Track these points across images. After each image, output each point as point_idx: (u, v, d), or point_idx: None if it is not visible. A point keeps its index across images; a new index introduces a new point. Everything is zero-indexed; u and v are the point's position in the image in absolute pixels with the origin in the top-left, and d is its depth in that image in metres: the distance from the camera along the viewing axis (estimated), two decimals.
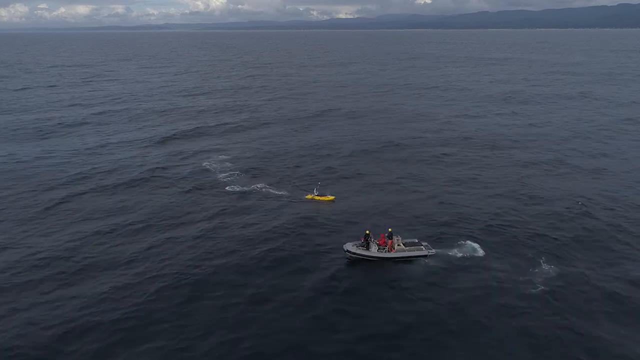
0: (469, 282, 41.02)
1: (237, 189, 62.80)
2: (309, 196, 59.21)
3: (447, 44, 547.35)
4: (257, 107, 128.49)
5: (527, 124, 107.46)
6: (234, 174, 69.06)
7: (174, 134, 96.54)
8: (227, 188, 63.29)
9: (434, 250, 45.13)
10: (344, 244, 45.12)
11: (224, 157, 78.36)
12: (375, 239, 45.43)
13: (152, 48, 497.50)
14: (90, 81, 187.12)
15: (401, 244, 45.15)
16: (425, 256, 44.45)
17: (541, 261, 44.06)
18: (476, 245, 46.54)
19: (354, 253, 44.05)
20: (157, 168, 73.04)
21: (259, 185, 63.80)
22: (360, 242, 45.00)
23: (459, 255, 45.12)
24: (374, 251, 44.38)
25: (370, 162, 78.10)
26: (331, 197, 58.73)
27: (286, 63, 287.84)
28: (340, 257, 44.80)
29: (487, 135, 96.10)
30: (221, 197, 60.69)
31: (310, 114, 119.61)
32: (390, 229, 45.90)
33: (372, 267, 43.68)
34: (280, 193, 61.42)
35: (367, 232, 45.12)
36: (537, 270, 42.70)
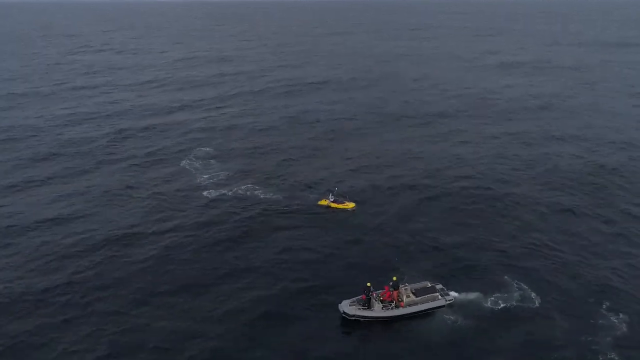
0: (513, 349, 30.85)
1: (214, 194, 51.65)
2: (324, 202, 48.63)
3: (447, 14, 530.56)
4: (249, 81, 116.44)
5: (539, 94, 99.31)
6: (218, 173, 57.48)
7: (151, 113, 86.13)
8: (204, 193, 52.20)
9: (451, 296, 35.42)
10: (339, 303, 34.61)
11: (205, 149, 66.87)
12: (378, 292, 35.27)
13: (145, 18, 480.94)
14: (74, 53, 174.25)
15: (411, 294, 35.28)
16: (442, 306, 34.71)
17: (603, 309, 33.98)
18: (523, 287, 36.05)
19: (353, 315, 33.93)
20: (118, 159, 62.90)
21: (243, 187, 52.83)
22: (359, 298, 34.81)
23: (500, 305, 34.45)
24: (378, 310, 34.36)
25: (368, 144, 68.99)
26: (351, 205, 48.19)
27: (280, 34, 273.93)
28: (330, 309, 34.63)
29: (498, 108, 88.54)
30: (193, 204, 49.91)
31: (307, 86, 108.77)
32: (394, 278, 35.50)
33: (374, 327, 33.72)
34: (267, 196, 50.76)
35: (368, 284, 34.82)
36: (601, 322, 32.74)
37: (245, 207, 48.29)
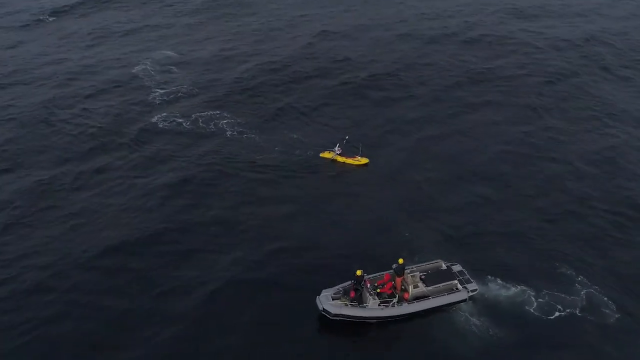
0: None
1: (167, 120, 39.21)
2: (328, 155, 36.75)
3: None
4: None
5: None
6: (178, 87, 44.21)
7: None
8: (153, 119, 39.51)
9: (475, 285, 25.34)
10: (318, 295, 24.63)
11: (166, 50, 51.83)
12: (374, 276, 25.46)
13: None
14: None
15: (419, 284, 25.27)
16: (464, 300, 24.87)
17: None
18: (587, 283, 25.72)
19: (337, 315, 24.03)
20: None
21: (205, 114, 39.92)
22: (346, 289, 24.73)
23: (555, 312, 24.09)
24: (373, 307, 24.32)
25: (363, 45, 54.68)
26: (364, 160, 36.63)
27: None
28: (304, 302, 24.73)
29: None
30: (135, 133, 37.88)
31: None
32: (401, 260, 24.92)
33: (367, 330, 24.30)
34: (234, 133, 38.09)
35: (359, 273, 24.44)
36: None
37: (206, 150, 36.34)
